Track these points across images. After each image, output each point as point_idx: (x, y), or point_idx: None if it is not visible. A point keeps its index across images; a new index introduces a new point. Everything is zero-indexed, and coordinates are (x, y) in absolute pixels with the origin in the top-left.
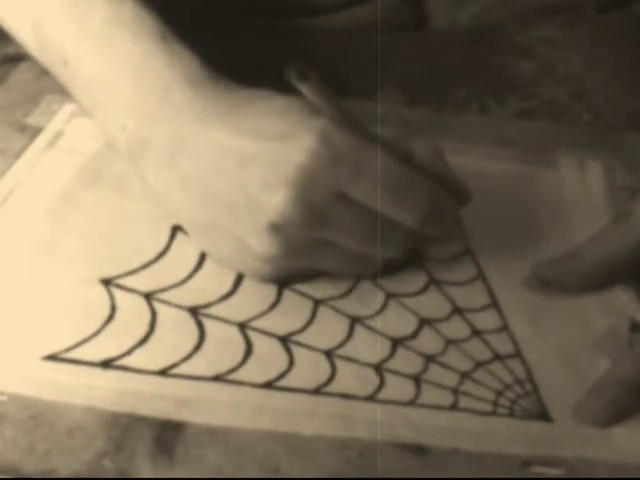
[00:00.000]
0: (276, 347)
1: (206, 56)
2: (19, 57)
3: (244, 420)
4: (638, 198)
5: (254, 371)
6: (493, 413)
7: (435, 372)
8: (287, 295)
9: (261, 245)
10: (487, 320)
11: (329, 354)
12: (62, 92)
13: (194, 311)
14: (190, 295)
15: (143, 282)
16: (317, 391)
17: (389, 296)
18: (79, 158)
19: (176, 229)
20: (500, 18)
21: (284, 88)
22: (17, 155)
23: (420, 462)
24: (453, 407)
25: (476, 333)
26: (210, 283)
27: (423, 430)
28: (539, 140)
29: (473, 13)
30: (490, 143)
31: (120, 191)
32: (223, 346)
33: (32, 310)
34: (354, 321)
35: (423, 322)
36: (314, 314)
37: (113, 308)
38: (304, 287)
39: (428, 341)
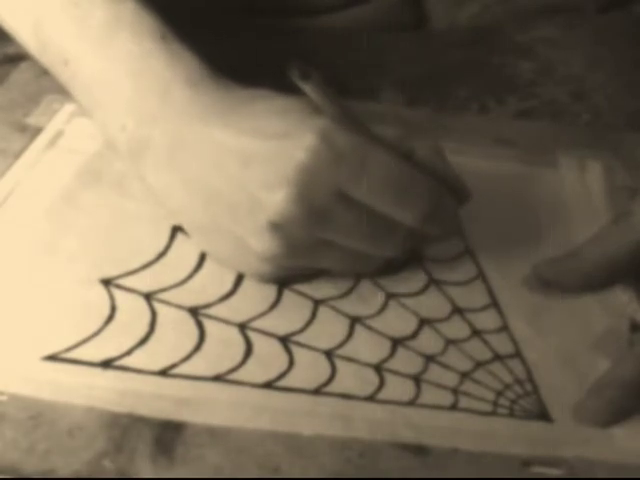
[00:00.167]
0: (276, 347)
1: (206, 56)
2: (19, 57)
3: (244, 420)
4: (638, 198)
5: (254, 371)
6: (493, 413)
7: (435, 372)
8: (287, 295)
9: (261, 244)
10: (487, 320)
11: (329, 354)
12: (62, 92)
13: (194, 311)
14: (190, 295)
15: (143, 282)
16: (317, 391)
17: (389, 296)
18: (79, 158)
19: (176, 229)
20: (500, 18)
21: (284, 88)
22: (17, 155)
23: (420, 462)
24: (453, 407)
25: (476, 333)
26: (210, 283)
27: (423, 430)
28: (539, 140)
29: (473, 13)
30: (490, 143)
31: (120, 191)
32: (223, 346)
33: (32, 310)
34: (354, 321)
35: (423, 322)
36: (314, 314)
37: (113, 308)
38: (304, 287)
39: (428, 341)
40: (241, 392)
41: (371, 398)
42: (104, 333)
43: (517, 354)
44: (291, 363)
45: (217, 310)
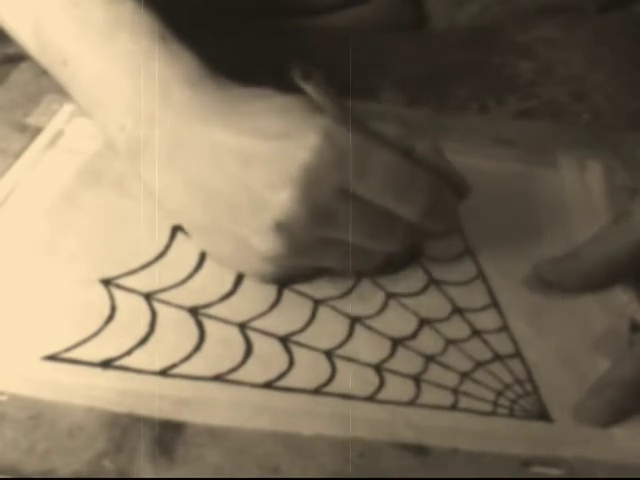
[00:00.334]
0: (276, 347)
1: (206, 56)
2: (19, 57)
3: (244, 420)
4: (638, 198)
5: (254, 371)
6: (493, 413)
7: (435, 372)
8: (287, 295)
9: (265, 244)
10: (487, 320)
11: (329, 354)
12: (62, 92)
13: (194, 311)
14: (190, 295)
15: (143, 282)
16: (317, 391)
17: (389, 296)
18: (79, 158)
19: (176, 229)
20: (500, 18)
21: (284, 88)
22: (17, 155)
23: (420, 462)
24: (453, 407)
25: (476, 333)
26: (210, 283)
27: (423, 430)
28: (539, 140)
29: (473, 13)
30: (490, 143)
31: (120, 191)
32: (223, 346)
33: (32, 310)
34: (354, 321)
35: (423, 322)
36: (314, 314)
37: (113, 308)
38: (304, 287)
39: (428, 341)
40: (241, 392)
41: (371, 398)
42: (104, 333)
43: (517, 354)
44: (291, 363)
45: (217, 310)
